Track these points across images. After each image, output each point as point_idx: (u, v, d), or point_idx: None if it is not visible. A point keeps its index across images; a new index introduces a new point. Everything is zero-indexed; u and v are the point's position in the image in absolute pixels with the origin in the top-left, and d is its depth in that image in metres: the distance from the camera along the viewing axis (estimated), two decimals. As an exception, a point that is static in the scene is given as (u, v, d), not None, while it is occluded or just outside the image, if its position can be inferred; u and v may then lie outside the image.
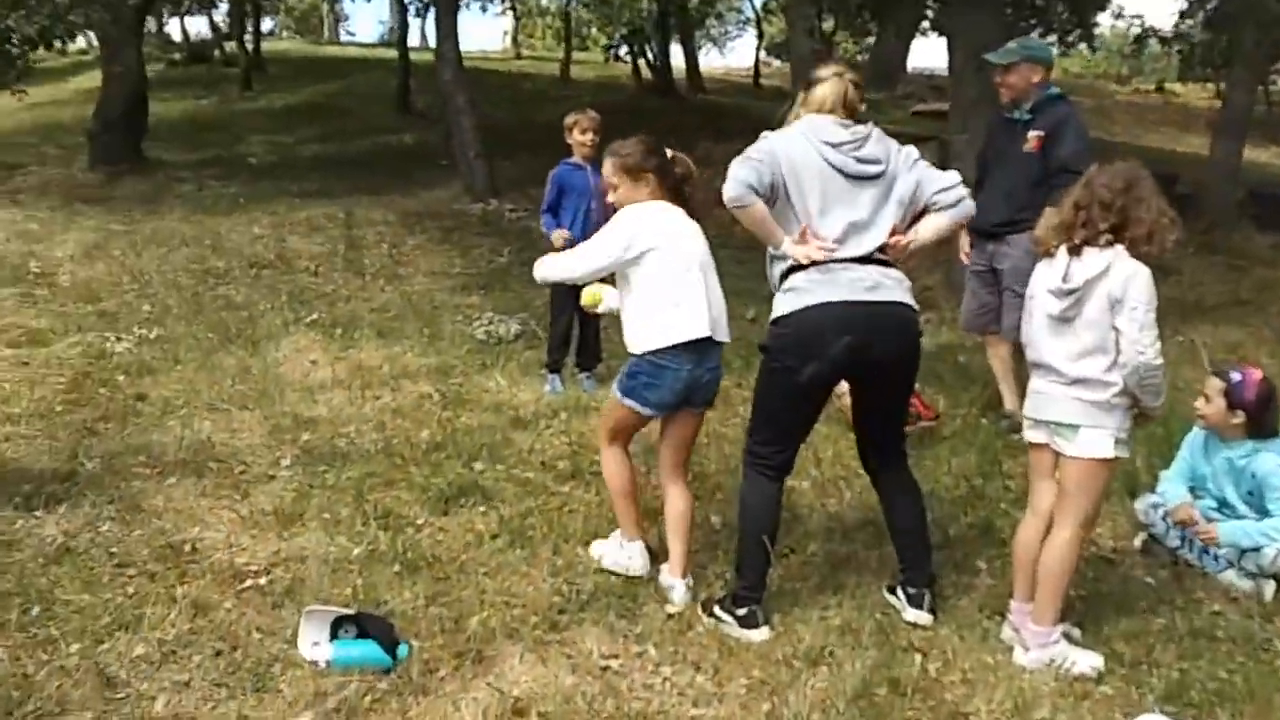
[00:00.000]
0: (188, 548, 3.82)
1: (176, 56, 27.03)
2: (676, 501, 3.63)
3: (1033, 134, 5.02)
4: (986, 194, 4.93)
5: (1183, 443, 4.13)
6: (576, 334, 5.98)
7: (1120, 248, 3.08)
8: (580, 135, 5.63)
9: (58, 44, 14.03)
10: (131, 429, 5.06)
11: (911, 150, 3.32)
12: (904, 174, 3.26)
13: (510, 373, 6.18)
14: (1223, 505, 3.98)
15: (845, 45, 25.93)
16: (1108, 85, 30.81)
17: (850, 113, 3.29)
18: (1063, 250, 3.17)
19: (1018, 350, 5.39)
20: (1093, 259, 3.09)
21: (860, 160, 3.21)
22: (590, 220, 5.53)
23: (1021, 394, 5.46)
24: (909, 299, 3.28)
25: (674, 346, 3.38)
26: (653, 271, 3.44)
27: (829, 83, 3.30)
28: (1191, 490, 4.06)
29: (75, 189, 12.12)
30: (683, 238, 3.50)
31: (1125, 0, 26.70)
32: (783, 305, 3.26)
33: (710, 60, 37.64)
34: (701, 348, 3.41)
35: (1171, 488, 4.06)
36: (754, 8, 27.19)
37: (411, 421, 5.26)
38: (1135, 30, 20.21)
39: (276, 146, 16.01)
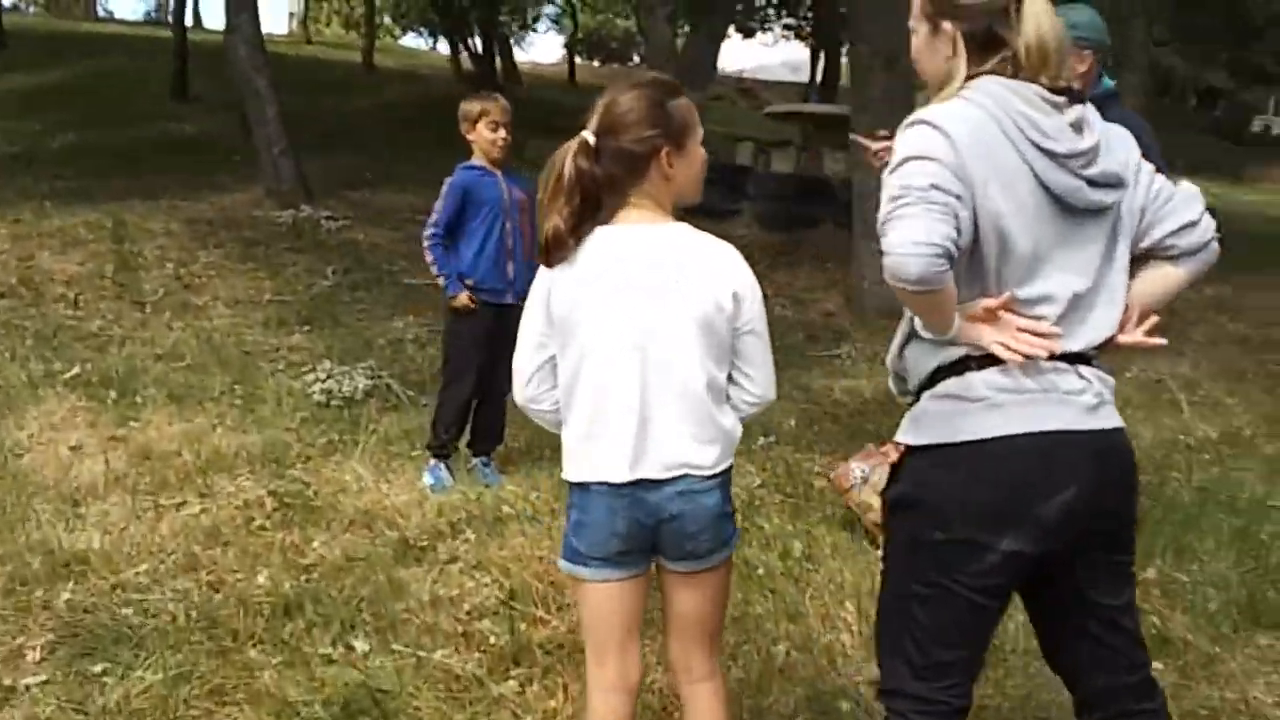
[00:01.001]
0: None
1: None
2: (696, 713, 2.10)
3: None
4: None
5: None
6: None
7: None
8: (489, 132, 4.11)
9: None
10: None
11: (1127, 140, 1.85)
12: (1131, 192, 1.83)
13: (371, 454, 4.48)
14: None
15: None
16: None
17: (1058, 82, 1.76)
18: None
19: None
20: None
21: (1094, 183, 1.76)
22: (505, 244, 4.15)
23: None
24: (1120, 419, 1.90)
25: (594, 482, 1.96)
26: (563, 360, 1.99)
27: (1040, 11, 1.73)
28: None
29: None
30: (615, 296, 1.93)
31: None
32: (949, 425, 1.78)
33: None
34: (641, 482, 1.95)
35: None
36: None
37: (239, 554, 3.50)
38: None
39: (20, 135, 13.18)
